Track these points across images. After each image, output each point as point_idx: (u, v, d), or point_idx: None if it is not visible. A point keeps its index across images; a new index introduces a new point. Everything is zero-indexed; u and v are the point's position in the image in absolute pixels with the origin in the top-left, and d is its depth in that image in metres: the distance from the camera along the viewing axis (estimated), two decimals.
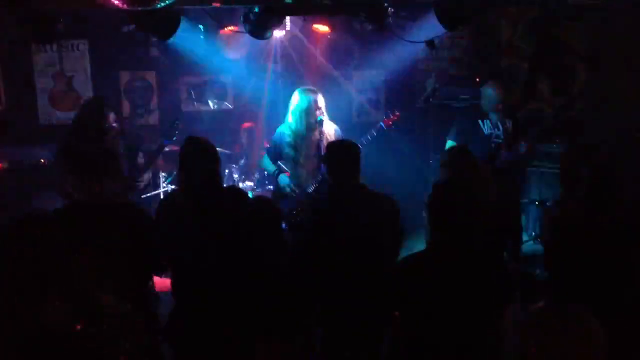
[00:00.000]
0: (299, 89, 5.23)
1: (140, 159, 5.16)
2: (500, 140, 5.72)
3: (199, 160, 3.76)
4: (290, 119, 5.19)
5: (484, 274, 3.02)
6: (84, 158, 3.71)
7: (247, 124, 7.42)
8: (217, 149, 6.20)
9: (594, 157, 3.95)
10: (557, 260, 3.66)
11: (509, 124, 5.78)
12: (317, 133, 5.11)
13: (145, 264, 3.66)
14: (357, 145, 4.19)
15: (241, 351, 3.36)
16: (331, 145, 4.26)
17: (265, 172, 5.93)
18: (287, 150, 5.19)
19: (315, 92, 5.14)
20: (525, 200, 7.00)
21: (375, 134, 5.22)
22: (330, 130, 5.21)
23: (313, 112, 5.08)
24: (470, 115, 5.98)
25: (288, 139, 5.18)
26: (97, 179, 3.52)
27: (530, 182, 7.24)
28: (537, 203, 7.16)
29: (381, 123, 5.30)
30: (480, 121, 5.76)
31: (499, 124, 5.74)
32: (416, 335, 3.03)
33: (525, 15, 7.77)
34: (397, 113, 5.31)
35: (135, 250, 3.46)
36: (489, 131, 5.74)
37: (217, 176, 3.88)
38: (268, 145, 5.46)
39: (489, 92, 5.76)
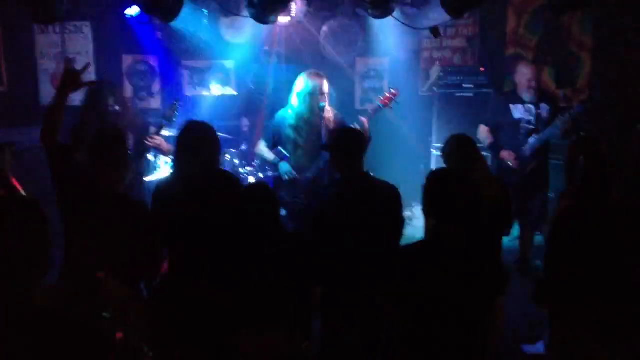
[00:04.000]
0: (304, 72, 5.16)
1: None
2: (532, 127, 5.67)
3: (195, 146, 3.68)
4: (294, 101, 5.14)
5: (476, 264, 2.99)
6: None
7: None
8: (218, 134, 6.18)
9: (591, 148, 3.91)
10: (554, 251, 3.64)
11: (543, 109, 5.74)
12: (318, 118, 5.06)
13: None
14: (362, 133, 4.16)
15: (228, 339, 3.36)
16: (336, 132, 4.22)
17: (264, 160, 5.84)
18: (288, 132, 5.14)
19: (321, 77, 5.08)
20: None
21: (372, 114, 5.14)
22: (330, 116, 5.15)
23: (318, 96, 5.03)
24: (504, 97, 5.99)
25: (290, 121, 5.13)
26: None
27: None
28: None
29: (378, 102, 5.21)
30: (512, 105, 5.74)
31: (532, 108, 5.70)
32: (413, 325, 3.02)
33: (530, 5, 7.71)
34: (394, 91, 5.21)
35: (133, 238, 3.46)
36: (520, 116, 5.71)
37: (214, 162, 3.79)
38: (266, 131, 5.40)
39: (519, 69, 5.78)
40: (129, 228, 3.41)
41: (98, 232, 3.30)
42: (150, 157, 5.96)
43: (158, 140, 4.85)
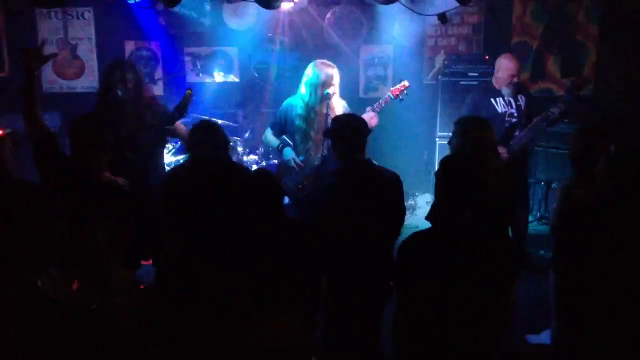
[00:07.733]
0: (314, 62, 5.09)
1: None
2: (515, 119, 5.60)
3: (206, 147, 3.83)
4: (303, 91, 5.07)
5: (489, 250, 2.93)
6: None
7: None
8: (221, 121, 6.15)
9: (612, 141, 3.82)
10: (571, 243, 3.59)
11: (521, 100, 5.67)
12: (325, 106, 5.01)
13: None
14: (363, 120, 4.12)
15: (236, 324, 3.34)
16: (337, 119, 4.16)
17: (270, 147, 5.83)
18: (298, 123, 5.08)
19: (332, 67, 5.01)
20: (532, 181, 6.92)
21: (383, 104, 5.10)
22: (338, 105, 5.11)
23: (328, 87, 4.97)
24: (483, 92, 5.82)
25: (300, 111, 5.06)
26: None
27: (536, 163, 7.16)
28: (542, 184, 7.10)
29: (389, 93, 5.18)
30: (492, 99, 5.65)
31: (511, 101, 5.63)
32: (421, 313, 2.97)
33: None
34: (405, 83, 5.18)
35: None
36: (502, 109, 5.63)
37: (224, 157, 3.94)
38: (273, 119, 5.36)
39: (505, 63, 5.64)
40: (108, 214, 3.41)
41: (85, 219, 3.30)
42: None
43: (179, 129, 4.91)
